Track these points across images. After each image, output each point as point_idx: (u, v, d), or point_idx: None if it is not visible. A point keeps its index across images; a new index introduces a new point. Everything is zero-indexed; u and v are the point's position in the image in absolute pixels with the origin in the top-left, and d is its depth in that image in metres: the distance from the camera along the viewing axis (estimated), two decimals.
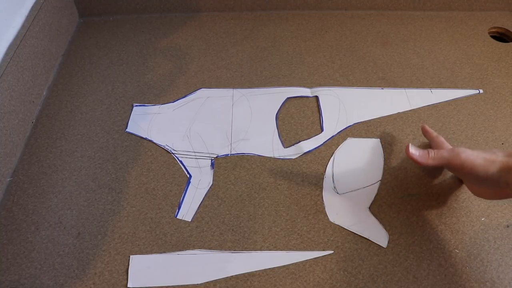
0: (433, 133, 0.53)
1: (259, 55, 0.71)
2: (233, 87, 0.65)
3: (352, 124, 0.60)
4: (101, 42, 0.73)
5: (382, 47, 0.72)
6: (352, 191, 0.52)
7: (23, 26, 0.59)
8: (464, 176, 0.47)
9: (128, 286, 0.44)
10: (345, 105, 0.62)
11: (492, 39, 0.74)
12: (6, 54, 0.55)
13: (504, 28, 0.76)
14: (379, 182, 0.53)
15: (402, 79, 0.66)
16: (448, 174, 0.54)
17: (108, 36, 0.74)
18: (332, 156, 0.56)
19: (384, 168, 0.54)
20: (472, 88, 0.65)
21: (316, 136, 0.58)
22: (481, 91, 0.64)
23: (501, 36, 0.76)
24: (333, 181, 0.53)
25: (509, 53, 0.71)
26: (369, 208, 0.51)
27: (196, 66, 0.69)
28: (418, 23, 0.77)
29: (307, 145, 0.57)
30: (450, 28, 0.76)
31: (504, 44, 0.73)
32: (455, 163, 0.43)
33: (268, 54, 0.71)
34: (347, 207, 0.51)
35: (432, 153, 0.45)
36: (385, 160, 0.55)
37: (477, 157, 0.42)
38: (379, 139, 0.58)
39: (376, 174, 0.54)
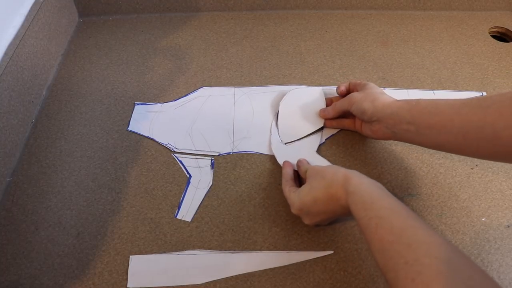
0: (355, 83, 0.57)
1: (259, 55, 0.71)
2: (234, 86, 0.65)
3: None
4: (101, 42, 0.73)
5: (382, 47, 0.72)
6: (296, 140, 0.57)
7: (22, 26, 0.59)
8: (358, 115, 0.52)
9: (128, 286, 0.44)
10: None
11: (492, 39, 0.74)
12: (6, 54, 0.55)
13: (504, 28, 0.76)
14: (321, 131, 0.57)
15: (403, 79, 0.66)
16: (442, 174, 0.54)
17: (107, 36, 0.74)
18: (277, 110, 0.60)
19: (384, 168, 0.54)
20: (475, 91, 0.64)
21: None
22: (485, 93, 0.64)
23: (501, 36, 0.76)
24: (279, 134, 0.57)
25: (510, 53, 0.71)
26: (317, 151, 0.55)
27: (196, 66, 0.68)
28: (418, 22, 0.77)
29: None
30: (450, 28, 0.76)
31: (504, 43, 0.73)
32: (351, 108, 0.52)
33: (268, 54, 0.71)
34: (296, 153, 0.54)
35: (334, 105, 0.55)
36: (385, 160, 0.55)
37: (362, 98, 0.50)
38: (321, 88, 0.61)
39: (318, 121, 0.58)
